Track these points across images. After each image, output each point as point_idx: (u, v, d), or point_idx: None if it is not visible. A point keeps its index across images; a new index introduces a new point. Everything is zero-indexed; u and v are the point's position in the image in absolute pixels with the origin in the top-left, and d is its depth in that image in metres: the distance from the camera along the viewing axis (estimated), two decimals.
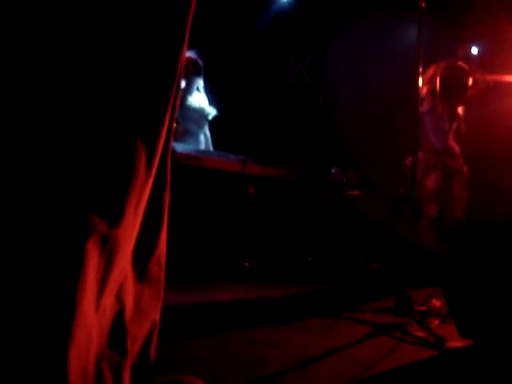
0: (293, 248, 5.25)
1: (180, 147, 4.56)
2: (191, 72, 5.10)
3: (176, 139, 4.85)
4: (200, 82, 5.22)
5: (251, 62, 6.76)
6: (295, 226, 5.43)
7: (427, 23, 3.56)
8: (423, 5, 3.39)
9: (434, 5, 4.57)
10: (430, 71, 4.73)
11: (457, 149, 4.75)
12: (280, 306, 3.23)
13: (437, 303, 2.90)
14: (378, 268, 5.02)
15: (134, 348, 1.20)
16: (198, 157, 4.62)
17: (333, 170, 6.24)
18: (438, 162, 4.65)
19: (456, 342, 2.31)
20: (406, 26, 6.11)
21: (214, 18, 6.13)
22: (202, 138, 5.23)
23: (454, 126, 4.78)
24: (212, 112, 5.26)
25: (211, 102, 5.30)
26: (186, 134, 5.06)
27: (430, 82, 4.59)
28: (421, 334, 2.50)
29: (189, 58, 5.07)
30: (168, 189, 1.27)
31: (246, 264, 4.79)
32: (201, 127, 5.23)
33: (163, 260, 1.36)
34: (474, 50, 6.46)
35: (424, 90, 4.62)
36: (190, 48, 5.18)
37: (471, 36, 6.24)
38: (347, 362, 2.06)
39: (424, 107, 4.51)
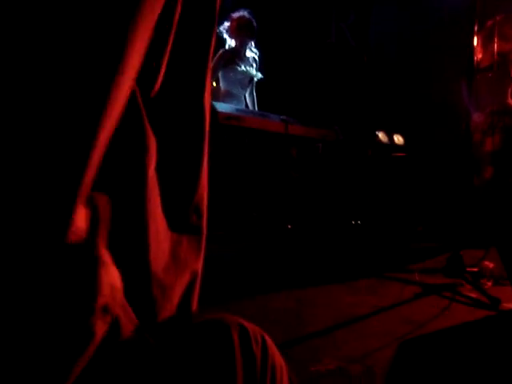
0: (336, 210, 5.15)
1: (221, 106, 4.47)
2: (245, 33, 4.96)
3: (218, 100, 4.77)
4: (251, 43, 5.08)
5: (293, 22, 6.58)
6: (338, 187, 5.32)
7: None
8: None
9: None
10: (487, 29, 4.50)
11: None
12: (326, 267, 3.16)
13: (490, 264, 2.78)
14: (422, 231, 4.90)
15: (172, 298, 1.14)
16: (239, 116, 4.52)
17: (377, 133, 6.09)
18: (499, 123, 4.45)
19: None
20: None
21: None
22: (244, 99, 5.12)
23: None
24: (257, 74, 5.13)
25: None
26: (228, 96, 4.95)
27: (486, 39, 4.36)
28: (474, 294, 2.40)
29: (244, 18, 4.92)
30: (206, 125, 1.15)
31: (289, 226, 4.72)
32: (244, 89, 5.11)
33: (203, 208, 1.25)
34: None
35: (480, 49, 4.40)
36: (242, 7, 5.04)
37: None
38: (397, 321, 1.98)
39: (480, 65, 4.29)
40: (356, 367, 1.52)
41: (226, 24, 4.94)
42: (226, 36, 4.97)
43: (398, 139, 6.22)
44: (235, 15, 4.94)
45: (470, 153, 3.56)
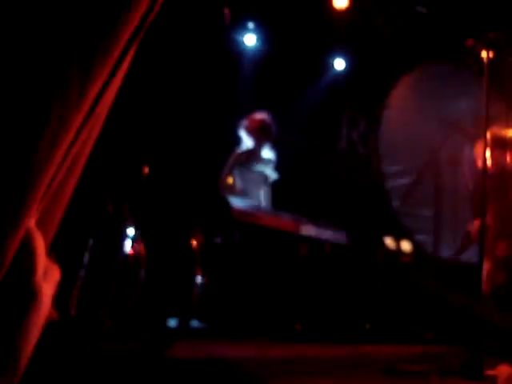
0: (345, 312, 5.09)
1: (236, 202, 4.57)
2: (259, 133, 5.13)
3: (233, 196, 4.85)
4: (270, 143, 5.25)
5: (306, 129, 6.81)
6: (347, 290, 5.30)
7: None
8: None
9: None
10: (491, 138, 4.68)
11: None
12: (342, 363, 3.10)
13: (508, 368, 2.73)
14: (433, 337, 4.82)
15: None
16: (252, 213, 4.61)
17: (385, 238, 6.16)
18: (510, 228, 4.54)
19: None
20: (462, 95, 6.11)
21: (267, 86, 6.28)
22: (259, 199, 5.18)
23: None
24: (273, 175, 5.24)
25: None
26: (244, 194, 5.02)
27: (496, 144, 4.54)
28: None
29: (257, 119, 5.10)
30: None
31: (298, 326, 4.66)
32: (259, 188, 5.19)
33: None
34: None
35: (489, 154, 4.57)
36: (255, 107, 5.26)
37: None
38: None
39: (491, 170, 4.41)
40: None
41: (245, 122, 5.12)
42: (243, 134, 5.13)
43: (405, 246, 6.27)
44: (257, 116, 5.12)
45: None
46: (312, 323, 4.74)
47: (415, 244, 6.22)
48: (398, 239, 6.24)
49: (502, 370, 2.72)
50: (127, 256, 3.25)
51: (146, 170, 3.33)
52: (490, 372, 2.73)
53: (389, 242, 6.21)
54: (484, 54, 3.40)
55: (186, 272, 3.23)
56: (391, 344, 4.45)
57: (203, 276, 3.22)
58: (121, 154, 3.56)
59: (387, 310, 5.36)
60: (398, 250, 6.17)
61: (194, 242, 3.29)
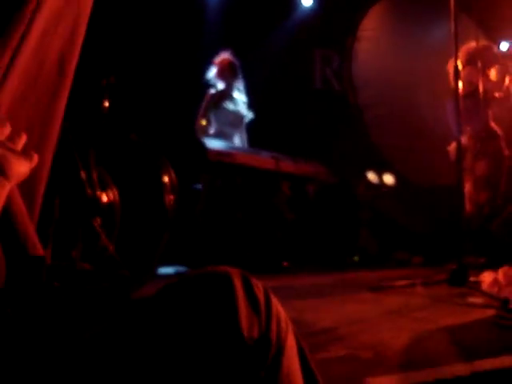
0: (329, 246, 5.05)
1: (212, 143, 4.45)
2: (229, 74, 5.03)
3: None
4: (239, 83, 5.13)
5: (279, 69, 6.65)
6: (330, 224, 5.25)
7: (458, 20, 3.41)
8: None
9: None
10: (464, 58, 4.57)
11: (499, 131, 4.58)
12: (329, 286, 3.06)
13: (491, 274, 2.72)
14: (422, 261, 4.81)
15: None
16: (229, 153, 4.50)
17: (367, 172, 6.11)
18: (489, 147, 4.48)
19: None
20: (434, 21, 5.97)
21: (239, 26, 6.10)
22: (236, 139, 5.09)
23: (494, 109, 4.62)
24: (248, 115, 5.14)
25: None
26: (219, 135, 4.93)
27: (467, 62, 4.44)
28: (481, 299, 2.33)
29: (225, 60, 5.00)
30: None
31: (285, 263, 4.62)
32: (235, 129, 5.10)
33: None
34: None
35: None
36: (224, 48, 5.13)
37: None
38: (406, 320, 1.89)
39: (465, 88, 4.31)
40: (366, 353, 1.43)
41: (215, 68, 5.04)
42: (214, 81, 5.05)
43: (388, 178, 6.22)
44: (217, 60, 5.05)
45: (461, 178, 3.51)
46: (299, 259, 4.70)
47: (397, 174, 6.16)
48: (380, 172, 6.19)
49: (486, 276, 2.70)
50: (100, 201, 3.14)
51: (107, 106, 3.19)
52: (474, 278, 2.71)
53: (370, 175, 6.17)
54: None
55: (158, 212, 3.12)
56: (378, 270, 4.41)
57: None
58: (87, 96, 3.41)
59: (371, 240, 5.35)
60: (380, 183, 6.14)
61: (166, 180, 3.17)
